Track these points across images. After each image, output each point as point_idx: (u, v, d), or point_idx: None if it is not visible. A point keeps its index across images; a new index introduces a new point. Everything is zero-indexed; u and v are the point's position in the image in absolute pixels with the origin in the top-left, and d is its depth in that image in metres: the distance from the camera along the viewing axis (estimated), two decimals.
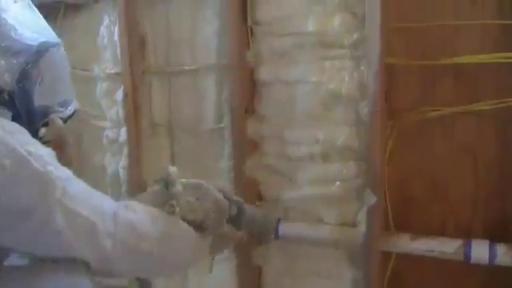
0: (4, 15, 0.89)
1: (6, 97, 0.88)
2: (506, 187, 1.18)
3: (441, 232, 1.23)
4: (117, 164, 1.58)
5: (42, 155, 0.78)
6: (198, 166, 1.47)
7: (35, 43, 0.92)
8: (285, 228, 1.34)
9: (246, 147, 1.37)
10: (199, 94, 1.46)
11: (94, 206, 0.81)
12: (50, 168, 0.77)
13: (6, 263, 0.85)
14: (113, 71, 1.53)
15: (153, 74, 1.51)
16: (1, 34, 0.88)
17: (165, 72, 1.50)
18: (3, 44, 0.88)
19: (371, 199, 1.21)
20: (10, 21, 0.90)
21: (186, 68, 1.45)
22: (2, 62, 0.87)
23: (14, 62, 0.88)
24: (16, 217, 0.74)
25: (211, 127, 1.45)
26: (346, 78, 1.24)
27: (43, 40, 0.94)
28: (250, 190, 1.39)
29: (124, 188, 1.57)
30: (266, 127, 1.35)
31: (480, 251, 1.13)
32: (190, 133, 1.50)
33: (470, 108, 1.17)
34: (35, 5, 1.51)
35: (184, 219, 0.90)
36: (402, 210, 1.28)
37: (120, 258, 0.81)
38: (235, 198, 1.04)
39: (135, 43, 1.47)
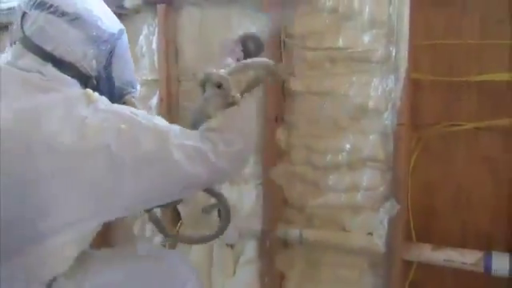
0: (85, 5, 0.98)
1: (95, 82, 0.98)
2: None
3: (461, 243, 1.27)
4: None
5: (144, 113, 0.94)
6: None
7: (115, 31, 1.02)
8: (309, 235, 1.39)
9: (274, 154, 1.42)
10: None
11: (192, 136, 0.97)
12: (155, 121, 0.94)
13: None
14: (149, 78, 1.60)
15: (186, 82, 1.57)
16: (90, 24, 0.96)
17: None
18: (94, 33, 0.96)
19: (394, 209, 1.26)
20: (92, 11, 0.98)
21: None
22: (91, 50, 0.96)
23: (103, 49, 0.98)
24: (143, 164, 0.88)
25: None
26: (373, 92, 1.29)
27: (120, 27, 1.05)
28: (277, 195, 1.44)
29: None
30: (295, 136, 1.41)
31: (500, 263, 1.16)
32: None
33: (492, 124, 1.22)
34: None
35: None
36: (423, 221, 1.32)
37: (223, 164, 0.97)
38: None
39: (172, 52, 1.55)
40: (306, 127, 1.39)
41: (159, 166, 0.90)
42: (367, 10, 1.28)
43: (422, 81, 1.28)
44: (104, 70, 0.99)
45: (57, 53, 0.92)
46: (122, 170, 0.85)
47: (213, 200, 1.15)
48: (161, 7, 1.52)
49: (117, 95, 1.05)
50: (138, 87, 1.12)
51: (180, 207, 1.58)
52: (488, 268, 1.17)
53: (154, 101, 1.59)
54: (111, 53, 1.00)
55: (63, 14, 0.93)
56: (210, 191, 1.13)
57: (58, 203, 0.82)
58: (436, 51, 1.26)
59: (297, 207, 1.43)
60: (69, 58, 0.93)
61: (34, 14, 0.93)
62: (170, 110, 1.56)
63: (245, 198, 1.48)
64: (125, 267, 1.00)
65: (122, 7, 1.58)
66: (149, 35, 1.60)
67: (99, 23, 0.98)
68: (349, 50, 1.31)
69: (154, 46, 1.58)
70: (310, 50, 1.36)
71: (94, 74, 0.98)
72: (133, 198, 0.89)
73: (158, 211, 1.57)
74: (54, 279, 0.89)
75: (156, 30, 1.56)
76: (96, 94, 0.91)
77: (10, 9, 1.59)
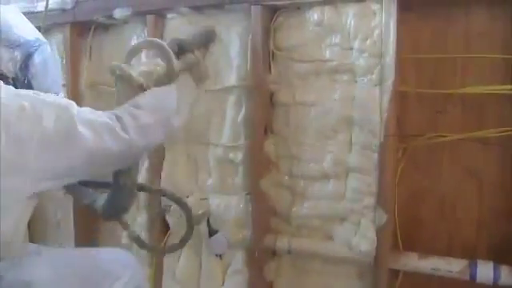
0: (5, 16, 1.09)
1: (11, 82, 1.05)
2: (509, 210, 1.24)
3: (447, 252, 1.30)
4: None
5: (49, 94, 0.97)
6: (215, 181, 1.53)
7: (32, 39, 1.11)
8: (296, 244, 1.40)
9: (263, 165, 1.43)
10: (218, 113, 1.52)
11: (98, 113, 0.99)
12: (59, 99, 0.97)
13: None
14: None
15: None
16: (5, 30, 1.06)
17: None
18: (7, 37, 1.06)
19: (381, 218, 1.28)
20: (9, 20, 1.08)
21: (208, 89, 1.52)
22: (6, 53, 1.05)
23: (17, 53, 1.07)
24: (45, 137, 0.88)
25: (228, 145, 1.51)
26: (359, 103, 1.31)
27: (37, 37, 1.14)
28: (265, 205, 1.45)
29: (142, 197, 1.62)
30: (282, 146, 1.42)
31: (485, 271, 1.19)
32: (207, 149, 1.56)
33: (476, 135, 1.25)
34: (68, 22, 1.62)
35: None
36: (410, 230, 1.34)
37: (132, 136, 0.99)
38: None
39: None
40: (293, 138, 1.40)
41: (62, 138, 0.90)
42: (353, 23, 1.30)
43: (407, 93, 1.31)
44: (20, 72, 1.08)
45: None
46: (22, 145, 0.85)
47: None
48: (150, 17, 1.52)
49: None
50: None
51: (168, 218, 1.58)
52: (473, 276, 1.20)
53: None
54: (28, 57, 1.09)
55: None
56: (171, 197, 1.22)
57: None
58: (421, 64, 1.30)
59: (285, 217, 1.44)
60: None
61: None
62: None
63: (233, 208, 1.48)
64: (53, 264, 1.01)
65: (110, 17, 1.58)
66: None
67: (14, 29, 1.08)
68: (334, 63, 1.33)
69: (143, 56, 1.57)
70: (297, 61, 1.38)
71: (11, 75, 1.06)
72: (38, 173, 0.88)
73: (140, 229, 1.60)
74: None
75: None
76: (1, 82, 0.93)
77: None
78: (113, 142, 0.96)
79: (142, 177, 1.61)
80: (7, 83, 1.00)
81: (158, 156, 1.56)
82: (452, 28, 1.27)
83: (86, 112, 0.97)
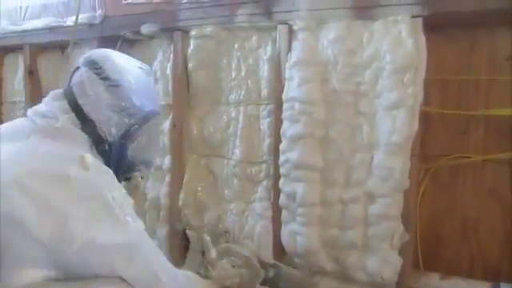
0: (129, 77, 1.04)
1: (106, 147, 1.02)
2: None
3: (469, 273, 1.29)
4: (158, 190, 1.66)
5: (124, 204, 0.92)
6: (240, 197, 1.54)
7: (146, 109, 1.06)
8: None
9: None
10: (247, 128, 1.54)
11: (162, 263, 0.97)
12: (128, 218, 0.90)
13: None
14: (163, 103, 1.62)
15: (196, 110, 1.60)
16: (125, 94, 1.02)
17: (205, 109, 1.59)
18: (122, 103, 1.02)
19: (404, 238, 1.28)
20: (133, 84, 1.04)
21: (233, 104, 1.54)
22: (115, 117, 1.01)
23: (126, 121, 1.03)
24: (101, 253, 0.85)
25: (251, 160, 1.52)
26: (382, 123, 1.30)
27: (152, 108, 1.09)
28: None
29: (162, 214, 1.64)
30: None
31: None
32: (228, 164, 1.57)
33: (499, 156, 1.26)
34: (95, 37, 1.65)
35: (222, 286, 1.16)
36: (431, 250, 1.34)
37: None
38: (273, 261, 1.27)
39: (186, 78, 1.58)
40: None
41: (117, 260, 0.86)
42: (377, 42, 1.30)
43: (431, 113, 1.32)
44: (120, 139, 1.03)
45: (85, 108, 1.00)
46: (66, 246, 0.82)
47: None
48: (177, 34, 1.55)
49: (125, 167, 1.08)
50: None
51: (189, 232, 1.59)
52: None
53: (167, 126, 1.61)
54: (134, 127, 1.05)
55: (105, 79, 1.01)
56: None
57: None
58: (445, 86, 1.31)
59: None
60: (93, 116, 1.00)
61: (83, 69, 1.03)
62: (183, 136, 1.58)
63: (253, 224, 1.49)
64: None
65: (137, 33, 1.61)
66: (163, 61, 1.63)
67: (133, 97, 1.03)
68: (357, 81, 1.33)
69: (169, 71, 1.60)
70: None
71: (109, 139, 1.02)
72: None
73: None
74: None
75: (171, 56, 1.59)
76: (91, 161, 0.91)
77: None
78: None
79: (163, 190, 1.63)
80: (102, 147, 1.01)
81: (178, 170, 1.57)
82: (477, 50, 1.29)
83: (148, 248, 0.96)
